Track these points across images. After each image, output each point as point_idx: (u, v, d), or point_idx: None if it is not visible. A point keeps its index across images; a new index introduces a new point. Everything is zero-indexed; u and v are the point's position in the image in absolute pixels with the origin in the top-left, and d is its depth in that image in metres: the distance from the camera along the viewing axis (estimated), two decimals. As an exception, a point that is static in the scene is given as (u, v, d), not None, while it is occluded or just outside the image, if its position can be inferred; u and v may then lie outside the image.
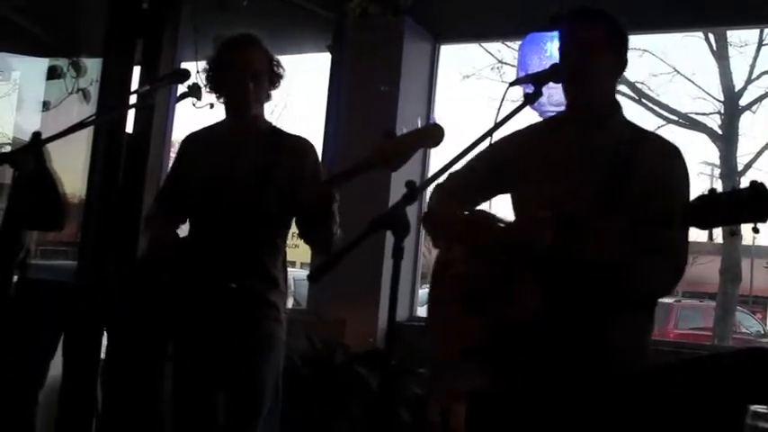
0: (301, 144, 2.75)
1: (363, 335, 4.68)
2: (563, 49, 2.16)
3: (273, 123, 2.85)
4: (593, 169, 2.09)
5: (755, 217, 1.59)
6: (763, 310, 18.12)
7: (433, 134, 2.14)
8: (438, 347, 2.13)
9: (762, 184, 1.60)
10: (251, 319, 2.61)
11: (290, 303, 7.79)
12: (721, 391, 2.96)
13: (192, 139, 2.90)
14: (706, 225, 1.65)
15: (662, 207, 1.76)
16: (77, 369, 3.72)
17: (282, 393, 2.72)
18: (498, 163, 2.24)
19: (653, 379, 2.14)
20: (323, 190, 2.46)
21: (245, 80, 2.64)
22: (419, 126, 2.16)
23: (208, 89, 2.78)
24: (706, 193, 1.66)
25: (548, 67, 2.13)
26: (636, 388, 2.07)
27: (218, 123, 2.83)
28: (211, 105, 2.89)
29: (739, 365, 3.15)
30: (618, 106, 2.22)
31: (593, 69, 2.10)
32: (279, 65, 2.76)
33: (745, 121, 13.56)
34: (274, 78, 2.75)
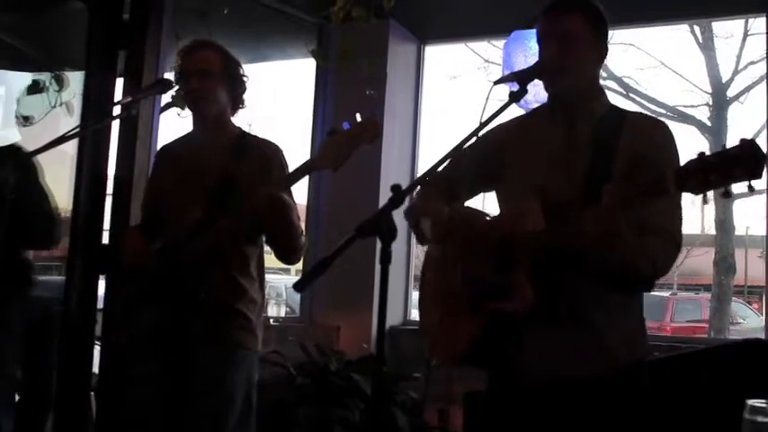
0: (267, 149, 2.73)
1: (358, 341, 4.66)
2: (541, 39, 2.13)
3: (251, 131, 2.83)
4: (578, 154, 2.07)
5: (748, 174, 1.57)
6: (759, 300, 18.12)
7: (368, 129, 2.13)
8: (432, 348, 2.10)
9: (751, 140, 1.58)
10: (217, 329, 2.57)
11: (282, 311, 7.81)
12: (719, 384, 2.95)
13: (165, 150, 2.93)
14: (698, 189, 1.63)
15: (652, 176, 1.73)
16: (70, 383, 3.69)
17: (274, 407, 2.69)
18: (481, 158, 2.21)
19: (650, 373, 2.12)
20: (268, 194, 2.41)
21: (191, 79, 2.68)
22: (358, 121, 2.15)
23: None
24: (694, 157, 1.63)
25: (532, 64, 2.11)
26: (633, 382, 2.05)
27: (189, 133, 2.83)
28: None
29: (736, 358, 3.14)
30: (601, 92, 2.19)
31: (572, 58, 2.07)
32: (238, 66, 2.76)
33: (734, 112, 13.58)
34: (233, 79, 2.74)
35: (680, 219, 2.06)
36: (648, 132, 2.08)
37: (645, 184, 1.76)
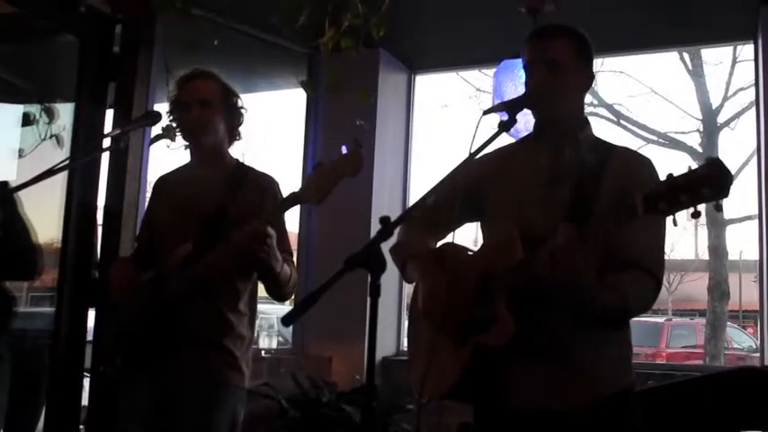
0: (263, 181, 2.71)
1: (350, 372, 4.63)
2: (527, 66, 2.14)
3: (244, 162, 2.82)
4: (561, 186, 2.06)
5: (715, 194, 1.57)
6: (754, 325, 18.12)
7: (351, 161, 2.12)
8: (418, 384, 2.07)
9: (717, 159, 1.58)
10: (202, 365, 2.54)
11: (275, 343, 7.76)
12: (714, 414, 2.93)
13: (162, 181, 2.90)
14: (668, 210, 1.62)
15: (622, 202, 1.72)
16: (59, 416, 3.64)
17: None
18: (465, 189, 2.20)
19: (644, 402, 2.10)
20: (252, 229, 2.37)
21: (190, 108, 2.66)
22: (343, 153, 2.14)
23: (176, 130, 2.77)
24: (664, 178, 1.62)
25: (521, 94, 2.11)
26: (619, 412, 2.02)
27: (186, 164, 2.81)
28: (186, 146, 2.86)
29: (731, 387, 3.12)
30: (586, 122, 2.18)
31: (557, 85, 2.07)
32: (235, 96, 2.75)
33: (725, 137, 13.70)
34: (231, 110, 2.73)
35: (660, 250, 2.04)
36: (633, 168, 2.06)
37: (615, 209, 1.75)
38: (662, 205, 1.62)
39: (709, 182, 1.56)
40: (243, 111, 2.77)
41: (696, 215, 1.59)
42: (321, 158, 2.23)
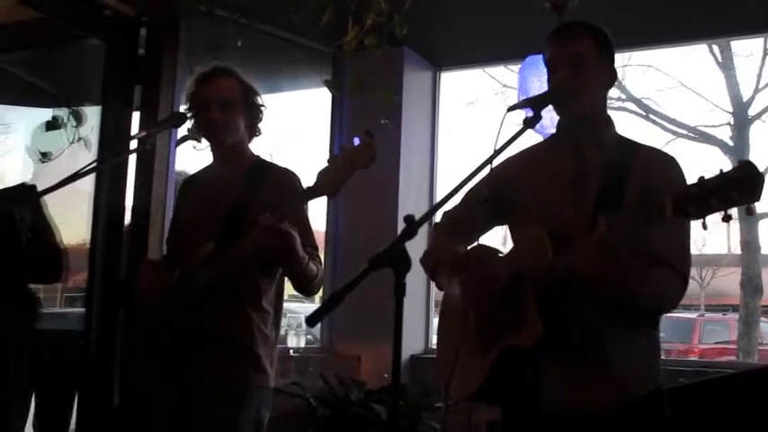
0: (284, 176, 2.70)
1: (378, 370, 4.62)
2: (549, 65, 2.12)
3: (265, 157, 2.81)
4: (587, 185, 2.05)
5: (746, 198, 1.53)
6: (788, 319, 17.85)
7: (365, 154, 2.09)
8: (447, 385, 2.06)
9: (749, 162, 1.55)
10: (226, 366, 2.54)
11: (303, 342, 7.77)
12: (748, 411, 2.88)
13: (187, 182, 2.92)
14: (698, 214, 1.59)
15: (652, 205, 1.69)
16: (90, 416, 3.68)
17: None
18: (493, 193, 2.20)
19: (676, 400, 2.08)
20: (268, 224, 2.35)
21: (211, 108, 2.64)
22: (355, 145, 2.11)
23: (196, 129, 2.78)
24: (694, 182, 1.60)
25: (544, 90, 2.09)
26: (649, 412, 2.00)
27: (210, 164, 2.82)
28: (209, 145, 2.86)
29: (765, 384, 3.07)
30: (609, 120, 2.17)
31: (580, 82, 2.05)
32: (256, 94, 2.74)
33: (756, 130, 13.49)
34: (251, 108, 2.73)
35: (686, 248, 2.02)
36: (659, 167, 2.05)
37: (644, 211, 1.73)
38: (692, 209, 1.59)
39: (739, 185, 1.53)
40: (262, 108, 2.77)
41: (727, 219, 1.56)
42: (338, 152, 2.21)
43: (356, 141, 2.11)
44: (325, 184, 2.19)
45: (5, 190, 3.31)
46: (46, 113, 4.83)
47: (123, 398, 3.68)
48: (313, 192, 2.25)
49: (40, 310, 3.52)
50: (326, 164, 2.20)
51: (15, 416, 3.34)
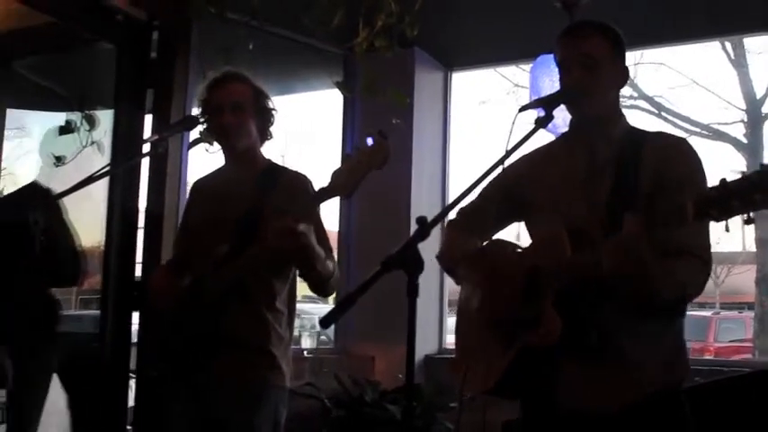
0: (295, 180, 2.71)
1: (393, 371, 4.62)
2: (561, 64, 2.12)
3: (282, 163, 2.83)
4: (601, 180, 2.05)
5: None
6: (804, 318, 17.70)
7: (378, 154, 2.09)
8: (464, 380, 2.07)
9: None
10: (242, 368, 2.55)
11: (317, 343, 7.78)
12: (764, 412, 2.86)
13: (198, 185, 2.93)
14: (720, 217, 1.59)
15: (672, 206, 1.69)
16: (106, 417, 3.70)
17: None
18: (507, 191, 2.21)
19: (692, 399, 2.07)
20: (281, 226, 2.36)
21: (223, 113, 2.66)
22: (368, 145, 2.11)
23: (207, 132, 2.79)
24: (716, 184, 1.59)
25: (556, 90, 2.09)
26: (669, 409, 2.00)
27: (221, 167, 2.83)
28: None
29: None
30: (621, 116, 2.16)
31: (592, 81, 2.05)
32: (267, 98, 2.75)
33: (770, 128, 13.38)
34: (262, 112, 2.73)
35: (707, 237, 2.00)
36: (669, 151, 2.04)
37: (665, 213, 1.72)
38: (714, 212, 1.59)
39: (761, 188, 1.53)
40: (274, 111, 2.78)
41: (749, 221, 1.56)
42: (346, 153, 2.21)
43: (369, 142, 2.11)
44: (340, 185, 2.20)
45: (19, 190, 3.34)
46: (59, 117, 4.86)
47: (138, 400, 3.69)
48: (327, 193, 2.26)
49: (60, 312, 3.56)
50: (340, 165, 2.20)
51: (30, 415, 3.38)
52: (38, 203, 2.97)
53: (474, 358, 2.09)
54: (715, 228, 1.75)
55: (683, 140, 2.09)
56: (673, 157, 2.02)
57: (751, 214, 1.56)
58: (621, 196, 1.97)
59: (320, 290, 2.63)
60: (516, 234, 2.49)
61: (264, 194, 2.62)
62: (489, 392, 2.06)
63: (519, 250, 2.12)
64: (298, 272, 2.68)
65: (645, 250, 1.78)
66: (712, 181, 1.63)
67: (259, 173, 2.72)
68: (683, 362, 2.08)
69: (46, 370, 3.44)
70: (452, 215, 2.34)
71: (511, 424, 2.27)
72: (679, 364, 2.06)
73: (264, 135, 2.78)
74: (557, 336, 1.89)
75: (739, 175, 1.57)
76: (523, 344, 1.96)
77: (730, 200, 1.56)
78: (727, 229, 1.60)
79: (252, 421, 2.52)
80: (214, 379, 2.52)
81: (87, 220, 4.15)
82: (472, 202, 2.27)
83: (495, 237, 2.28)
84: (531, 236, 2.19)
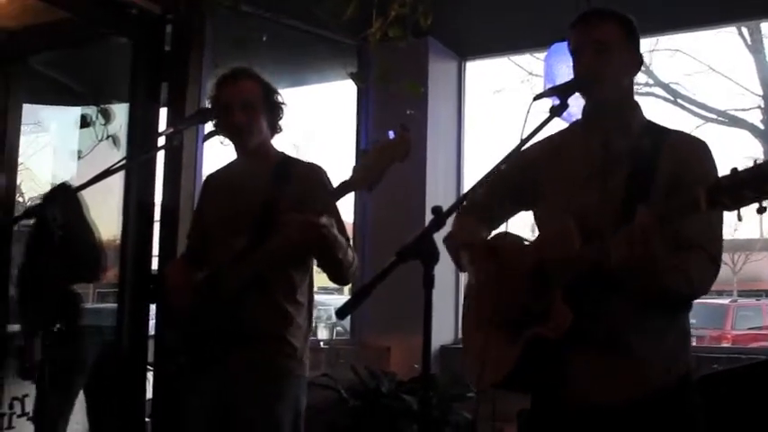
0: (310, 172, 2.72)
1: (409, 361, 4.63)
2: (574, 52, 2.10)
3: (296, 155, 2.83)
4: (615, 172, 2.03)
5: None
6: (822, 304, 17.59)
7: (400, 147, 2.10)
8: (473, 373, 2.07)
9: None
10: (263, 358, 2.57)
11: (333, 334, 7.81)
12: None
13: (210, 179, 2.93)
14: (732, 206, 1.57)
15: (685, 195, 1.68)
16: (125, 409, 3.73)
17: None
18: (517, 179, 2.19)
19: (710, 387, 2.06)
20: (302, 220, 2.37)
21: (233, 111, 2.66)
22: (390, 138, 2.12)
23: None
24: (727, 173, 1.58)
25: (570, 78, 2.08)
26: (678, 401, 1.99)
27: (233, 161, 2.84)
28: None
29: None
30: (636, 105, 2.14)
31: (606, 69, 2.03)
32: (276, 93, 2.75)
33: (787, 113, 13.25)
34: (272, 107, 2.74)
35: (720, 232, 1.99)
36: (689, 152, 2.02)
37: (677, 203, 1.71)
38: (725, 200, 1.58)
39: None
40: (283, 106, 2.78)
41: (761, 210, 1.54)
42: (368, 146, 2.22)
43: (391, 135, 2.12)
44: (361, 177, 2.21)
45: (51, 190, 3.36)
46: (75, 112, 4.89)
47: (156, 393, 3.72)
48: (349, 186, 2.27)
49: (83, 305, 3.59)
50: (360, 158, 2.21)
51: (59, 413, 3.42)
52: (56, 199, 2.99)
53: (481, 351, 2.08)
54: (729, 215, 1.75)
55: (703, 142, 2.07)
56: (692, 158, 2.00)
57: (764, 203, 1.55)
58: (636, 188, 1.96)
59: (339, 279, 2.66)
60: (531, 226, 2.49)
61: (279, 188, 2.63)
62: (499, 386, 2.06)
63: (526, 243, 2.11)
64: (315, 263, 2.69)
65: (655, 244, 1.75)
66: (724, 171, 1.61)
67: (273, 166, 2.72)
68: (688, 355, 2.07)
69: (77, 366, 3.48)
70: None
71: (526, 412, 2.27)
72: (684, 358, 2.05)
73: (275, 129, 2.79)
74: (566, 329, 1.88)
75: (751, 164, 1.55)
76: (532, 337, 1.96)
77: (742, 189, 1.54)
78: (740, 218, 1.59)
79: (274, 411, 2.54)
80: (235, 370, 2.54)
81: (103, 214, 4.18)
82: (483, 190, 2.25)
83: (503, 227, 2.27)
84: (540, 227, 2.18)
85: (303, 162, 2.77)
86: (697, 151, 2.03)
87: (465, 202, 2.29)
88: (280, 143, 2.83)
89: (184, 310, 2.64)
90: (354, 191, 2.30)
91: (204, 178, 3.00)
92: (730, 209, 1.59)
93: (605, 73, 2.03)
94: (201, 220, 2.88)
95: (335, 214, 2.57)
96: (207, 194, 2.91)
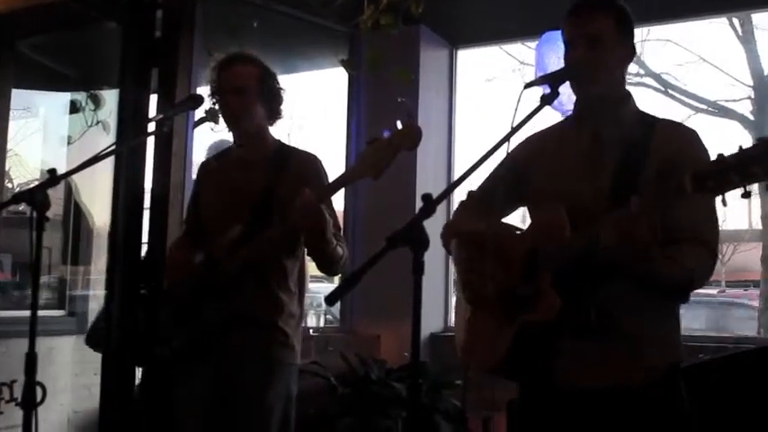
0: (306, 160, 2.72)
1: (399, 349, 4.64)
2: (567, 41, 2.10)
3: (288, 142, 2.83)
4: (607, 162, 2.03)
5: (767, 174, 1.52)
6: (811, 295, 17.67)
7: (409, 135, 2.11)
8: (467, 361, 2.08)
9: None
10: (256, 345, 2.57)
11: (323, 321, 7.81)
12: (765, 387, 2.87)
13: (207, 165, 2.93)
14: (718, 190, 1.58)
15: (671, 182, 1.68)
16: (113, 398, 3.73)
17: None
18: (516, 174, 2.20)
19: (695, 376, 2.08)
20: (306, 207, 2.38)
21: (228, 96, 2.68)
22: (398, 128, 2.13)
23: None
24: (714, 158, 1.59)
25: (561, 67, 2.08)
26: (667, 388, 2.01)
27: (229, 147, 2.84)
28: (229, 129, 2.88)
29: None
30: (628, 96, 2.15)
31: (598, 59, 2.03)
32: (275, 79, 2.74)
33: (778, 105, 13.28)
34: (269, 93, 2.73)
35: (714, 223, 2.00)
36: (679, 140, 2.03)
37: (663, 188, 1.72)
38: (711, 184, 1.58)
39: (760, 161, 1.52)
40: (282, 92, 2.77)
41: (746, 195, 1.56)
42: (373, 135, 2.23)
43: (399, 125, 2.14)
44: (369, 165, 2.22)
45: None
46: (65, 97, 4.87)
47: (148, 380, 3.71)
48: (356, 174, 2.27)
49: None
50: (367, 146, 2.22)
51: None
52: (44, 184, 2.98)
53: (473, 337, 2.09)
54: (720, 207, 1.75)
55: (693, 130, 2.07)
56: (684, 145, 2.01)
57: (748, 188, 1.56)
58: (626, 177, 1.97)
59: (328, 270, 2.66)
60: (522, 218, 2.49)
61: (277, 176, 2.64)
62: (492, 372, 2.07)
63: (518, 232, 2.12)
64: (306, 251, 2.70)
65: (644, 229, 1.76)
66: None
67: (270, 154, 2.72)
68: (678, 343, 2.09)
69: None
70: (462, 196, 2.35)
71: (515, 402, 2.28)
72: (675, 346, 2.07)
73: (274, 116, 2.78)
74: (554, 313, 1.89)
75: (737, 149, 1.56)
76: (522, 323, 1.97)
77: (728, 173, 1.55)
78: (725, 203, 1.60)
79: (266, 398, 2.55)
80: (228, 357, 2.55)
81: (90, 199, 4.17)
82: (481, 185, 2.27)
83: (501, 220, 2.28)
84: (533, 217, 2.18)
85: (300, 151, 2.77)
86: (688, 138, 2.04)
87: (465, 197, 2.30)
88: (272, 130, 2.83)
89: (178, 291, 2.64)
90: (360, 179, 2.31)
91: (200, 165, 3.00)
92: (716, 193, 1.59)
93: (598, 65, 2.04)
94: (198, 207, 2.87)
95: (330, 207, 2.59)
96: (203, 182, 2.90)
